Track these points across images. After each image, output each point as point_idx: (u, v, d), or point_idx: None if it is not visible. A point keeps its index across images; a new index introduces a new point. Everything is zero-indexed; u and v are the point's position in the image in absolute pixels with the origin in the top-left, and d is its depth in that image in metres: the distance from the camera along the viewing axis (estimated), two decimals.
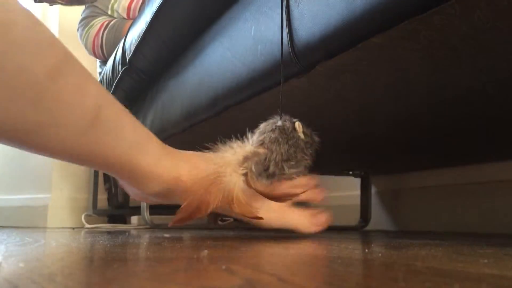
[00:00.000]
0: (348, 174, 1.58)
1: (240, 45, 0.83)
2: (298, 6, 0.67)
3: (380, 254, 0.43)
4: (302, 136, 0.64)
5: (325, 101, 0.83)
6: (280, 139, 0.63)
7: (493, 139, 1.03)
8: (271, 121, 0.67)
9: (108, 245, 0.57)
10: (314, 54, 0.66)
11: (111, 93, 1.43)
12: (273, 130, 0.64)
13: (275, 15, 0.72)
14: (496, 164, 1.26)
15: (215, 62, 0.94)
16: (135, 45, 1.21)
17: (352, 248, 0.51)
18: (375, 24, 0.55)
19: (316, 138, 0.68)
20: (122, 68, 1.31)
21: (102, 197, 2.07)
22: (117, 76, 1.36)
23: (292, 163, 0.62)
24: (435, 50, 0.59)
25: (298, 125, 0.65)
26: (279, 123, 0.65)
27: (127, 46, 1.27)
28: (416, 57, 0.61)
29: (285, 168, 0.61)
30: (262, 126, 0.67)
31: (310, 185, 0.69)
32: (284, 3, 0.69)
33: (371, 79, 0.71)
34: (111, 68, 1.40)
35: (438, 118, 0.88)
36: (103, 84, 1.50)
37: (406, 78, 0.69)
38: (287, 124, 0.65)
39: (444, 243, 0.62)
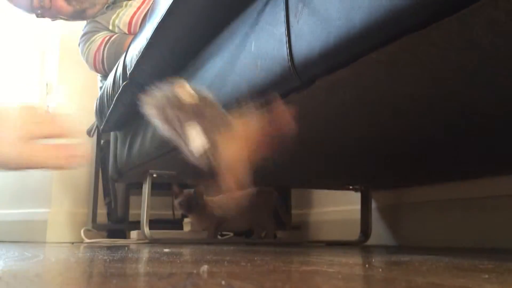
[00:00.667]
0: (348, 189, 1.57)
1: (240, 60, 0.84)
2: (298, 22, 0.68)
3: (380, 269, 0.42)
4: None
5: (325, 115, 0.84)
6: None
7: (493, 154, 1.03)
8: None
9: (108, 260, 0.57)
10: (313, 69, 0.67)
11: (112, 107, 1.44)
12: None
13: (275, 31, 0.73)
14: (497, 179, 1.26)
15: (215, 77, 0.94)
16: (135, 60, 1.21)
17: (352, 263, 0.51)
18: (374, 40, 0.56)
19: None
20: (123, 83, 1.32)
21: (102, 211, 2.07)
22: (117, 91, 1.37)
23: None
24: (434, 65, 0.59)
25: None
26: None
27: (128, 61, 1.28)
28: (415, 72, 0.62)
29: None
30: None
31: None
32: (284, 19, 0.70)
33: (370, 94, 0.71)
34: (112, 83, 1.41)
35: (438, 133, 0.88)
36: (103, 99, 1.51)
37: (405, 93, 0.69)
38: None
39: (444, 258, 0.62)
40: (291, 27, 0.69)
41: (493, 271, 0.41)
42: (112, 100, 1.43)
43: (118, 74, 1.36)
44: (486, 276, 0.36)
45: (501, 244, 1.22)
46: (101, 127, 1.60)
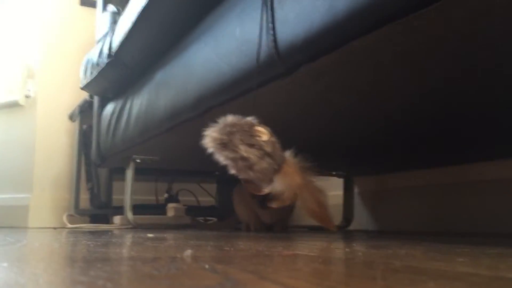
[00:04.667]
0: (331, 175, 1.59)
1: (225, 46, 0.84)
2: (282, 8, 0.68)
3: (360, 253, 0.43)
4: None
5: (308, 101, 0.84)
6: None
7: (471, 140, 1.05)
8: None
9: (91, 245, 0.57)
10: (297, 56, 0.67)
11: (93, 79, 1.43)
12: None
13: (260, 17, 0.73)
14: (475, 165, 1.29)
15: (199, 63, 0.94)
16: (121, 40, 1.20)
17: (333, 247, 0.52)
18: (357, 28, 0.56)
19: None
20: (107, 59, 1.31)
21: (84, 197, 2.05)
22: (102, 66, 1.36)
23: None
24: (415, 53, 0.60)
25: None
26: None
27: (114, 39, 1.27)
28: (397, 60, 0.62)
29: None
30: None
31: None
32: (269, 5, 0.70)
33: (353, 81, 0.72)
34: (98, 53, 1.39)
35: (418, 120, 0.89)
36: (87, 68, 1.48)
37: (387, 80, 0.70)
38: None
39: (423, 242, 0.63)
40: (275, 13, 0.69)
41: (468, 254, 0.42)
42: (96, 71, 1.42)
43: (104, 48, 1.34)
44: (461, 259, 0.37)
45: (480, 228, 1.25)
46: (82, 86, 1.57)
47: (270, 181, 0.72)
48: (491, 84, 0.68)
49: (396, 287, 0.23)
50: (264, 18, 0.71)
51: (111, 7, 1.64)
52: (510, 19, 0.49)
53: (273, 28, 0.69)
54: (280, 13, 0.68)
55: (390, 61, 0.62)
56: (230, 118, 0.71)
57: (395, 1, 0.51)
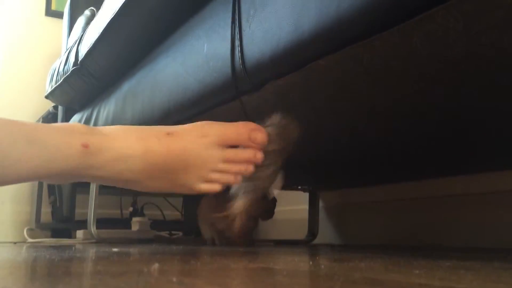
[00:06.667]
0: (296, 189, 1.61)
1: (193, 61, 0.85)
2: (250, 26, 0.70)
3: (323, 266, 0.45)
4: None
5: None
6: None
7: (431, 157, 1.09)
8: None
9: (56, 259, 0.57)
10: (264, 73, 0.69)
11: (58, 86, 1.42)
12: None
13: (228, 34, 0.74)
14: (437, 181, 1.33)
15: (168, 77, 0.95)
16: (87, 50, 1.20)
17: (297, 261, 0.54)
18: (321, 47, 0.59)
19: None
20: (73, 67, 1.30)
21: (46, 210, 2.01)
22: (67, 73, 1.35)
23: None
24: (376, 73, 0.62)
25: None
26: None
27: (80, 48, 1.26)
28: (359, 79, 0.65)
29: None
30: None
31: None
32: (237, 23, 0.72)
33: (317, 98, 0.74)
34: (64, 61, 1.38)
35: (381, 136, 0.92)
36: (53, 76, 1.47)
37: (350, 98, 0.73)
38: None
39: (384, 256, 0.66)
40: (243, 31, 0.71)
41: (424, 267, 0.44)
42: (61, 77, 1.41)
43: (71, 55, 1.33)
44: (417, 271, 0.39)
45: (441, 242, 1.29)
46: (46, 94, 1.55)
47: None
48: (450, 101, 0.72)
49: None
50: (232, 36, 0.73)
51: (87, 11, 1.64)
52: (464, 42, 0.53)
53: (241, 46, 0.71)
54: (247, 32, 0.70)
55: (354, 79, 0.65)
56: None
57: (357, 23, 0.54)
